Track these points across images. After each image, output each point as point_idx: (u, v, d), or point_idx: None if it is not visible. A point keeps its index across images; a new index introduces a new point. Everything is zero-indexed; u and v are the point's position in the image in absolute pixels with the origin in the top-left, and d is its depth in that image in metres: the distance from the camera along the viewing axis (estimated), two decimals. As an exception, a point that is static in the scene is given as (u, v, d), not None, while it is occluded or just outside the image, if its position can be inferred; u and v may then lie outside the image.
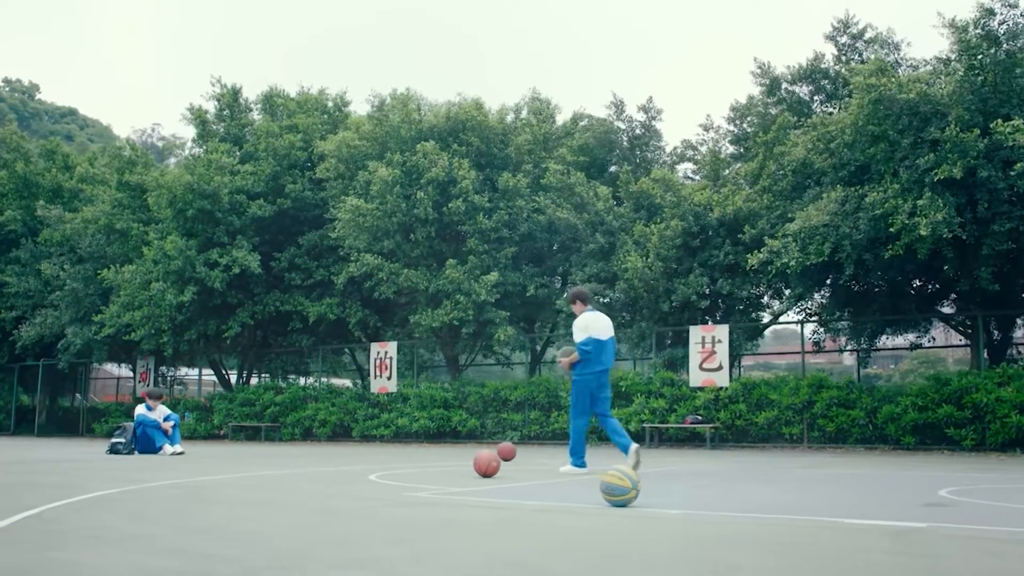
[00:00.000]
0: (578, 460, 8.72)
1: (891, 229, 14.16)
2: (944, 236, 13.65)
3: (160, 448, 12.17)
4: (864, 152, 15.59)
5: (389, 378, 21.24)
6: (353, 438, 21.31)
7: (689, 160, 23.35)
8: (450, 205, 19.05)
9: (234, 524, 4.44)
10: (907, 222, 13.88)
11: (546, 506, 5.34)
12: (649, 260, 17.50)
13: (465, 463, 10.94)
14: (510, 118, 21.23)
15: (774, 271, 15.66)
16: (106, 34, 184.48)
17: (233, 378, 27.04)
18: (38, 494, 6.07)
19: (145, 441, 12.14)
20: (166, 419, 12.41)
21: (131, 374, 30.22)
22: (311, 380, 25.34)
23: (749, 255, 15.94)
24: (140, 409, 12.45)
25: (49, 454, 12.93)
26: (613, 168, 23.73)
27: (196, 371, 27.08)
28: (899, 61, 18.57)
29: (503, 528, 4.30)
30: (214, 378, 27.47)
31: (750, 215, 17.25)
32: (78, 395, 32.62)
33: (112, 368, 32.84)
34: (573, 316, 9.08)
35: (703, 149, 23.29)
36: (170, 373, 27.32)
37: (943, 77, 15.40)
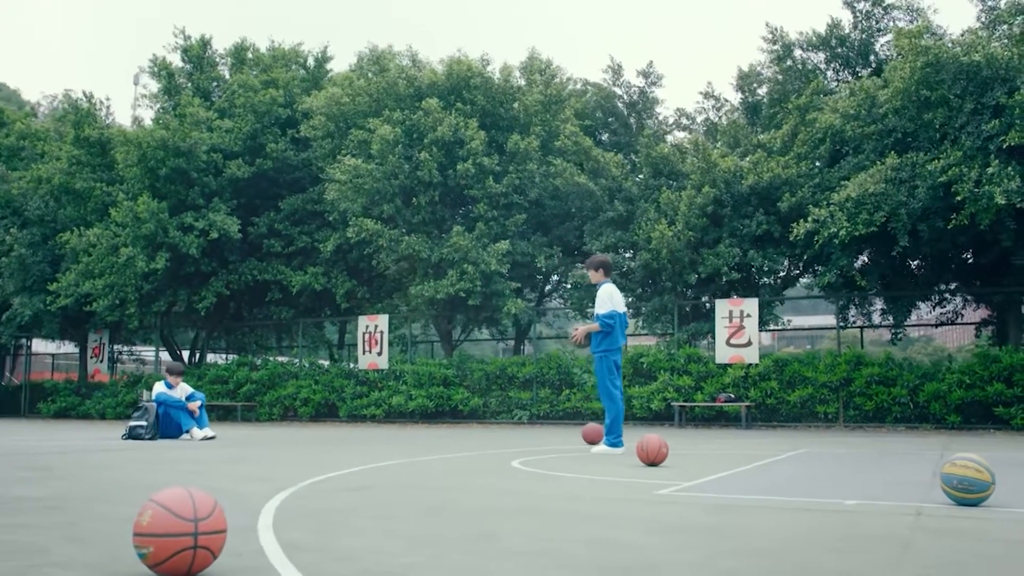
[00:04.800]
0: (616, 439, 8.15)
1: (956, 198, 13.47)
2: (1017, 205, 13.00)
3: (187, 432, 10.50)
4: (914, 118, 14.86)
5: (379, 354, 19.77)
6: (340, 418, 19.80)
7: (685, 129, 22.42)
8: (458, 167, 17.64)
9: (587, 552, 3.16)
10: (974, 191, 13.21)
11: (878, 508, 4.19)
12: (678, 228, 16.46)
13: (535, 442, 9.68)
14: (515, 76, 19.80)
15: (820, 241, 14.83)
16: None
17: (186, 355, 25.08)
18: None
19: (168, 424, 10.44)
20: (189, 398, 10.72)
21: (66, 350, 27.83)
22: (284, 358, 23.60)
23: (795, 224, 15.06)
24: (159, 387, 10.65)
25: (43, 442, 11.21)
26: (605, 137, 22.63)
27: (152, 348, 24.95)
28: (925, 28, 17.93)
29: (943, 546, 3.13)
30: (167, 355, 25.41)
31: (786, 183, 16.35)
32: (8, 374, 30.09)
33: (38, 344, 29.95)
34: (583, 288, 8.21)
35: (699, 119, 22.39)
36: (125, 348, 25.18)
37: (992, 42, 14.75)
